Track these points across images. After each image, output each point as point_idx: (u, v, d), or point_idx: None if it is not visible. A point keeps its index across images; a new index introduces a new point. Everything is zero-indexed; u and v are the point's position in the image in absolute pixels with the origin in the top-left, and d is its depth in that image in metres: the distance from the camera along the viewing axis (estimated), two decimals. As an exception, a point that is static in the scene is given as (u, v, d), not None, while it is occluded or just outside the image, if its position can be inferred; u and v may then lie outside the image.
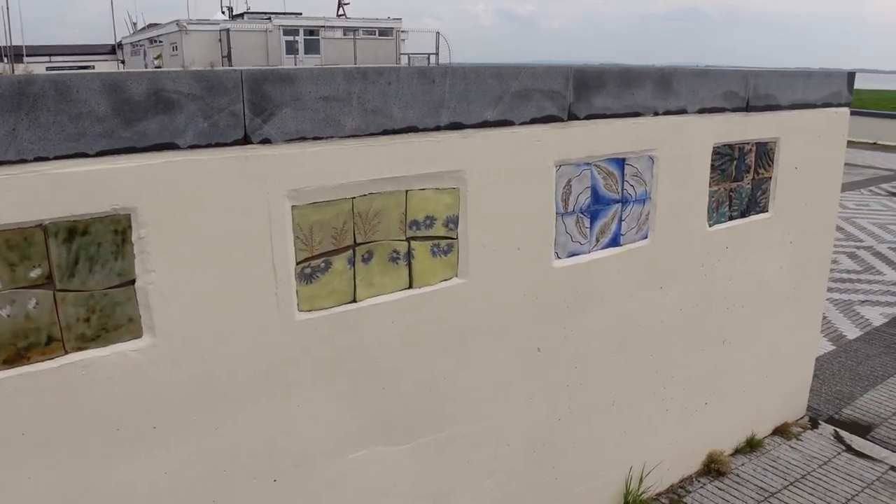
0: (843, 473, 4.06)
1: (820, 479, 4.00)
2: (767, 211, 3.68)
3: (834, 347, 5.89)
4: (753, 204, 3.58)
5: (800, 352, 4.37)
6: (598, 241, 2.86)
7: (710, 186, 3.28)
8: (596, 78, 2.65)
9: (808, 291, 4.20)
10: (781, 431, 4.44)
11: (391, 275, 2.31)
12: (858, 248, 9.19)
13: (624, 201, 2.91)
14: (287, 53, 34.88)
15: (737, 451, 4.14)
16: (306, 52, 35.96)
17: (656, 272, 3.12)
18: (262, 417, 2.13)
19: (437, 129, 2.27)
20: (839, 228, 9.92)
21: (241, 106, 1.91)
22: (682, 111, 3.02)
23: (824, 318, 6.46)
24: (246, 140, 1.95)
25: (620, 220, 2.92)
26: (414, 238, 2.33)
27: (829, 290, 7.31)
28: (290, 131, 2.00)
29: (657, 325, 3.22)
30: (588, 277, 2.85)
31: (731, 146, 3.34)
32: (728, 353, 3.70)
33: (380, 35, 37.89)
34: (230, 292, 1.99)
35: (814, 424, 4.59)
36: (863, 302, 7.04)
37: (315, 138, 2.05)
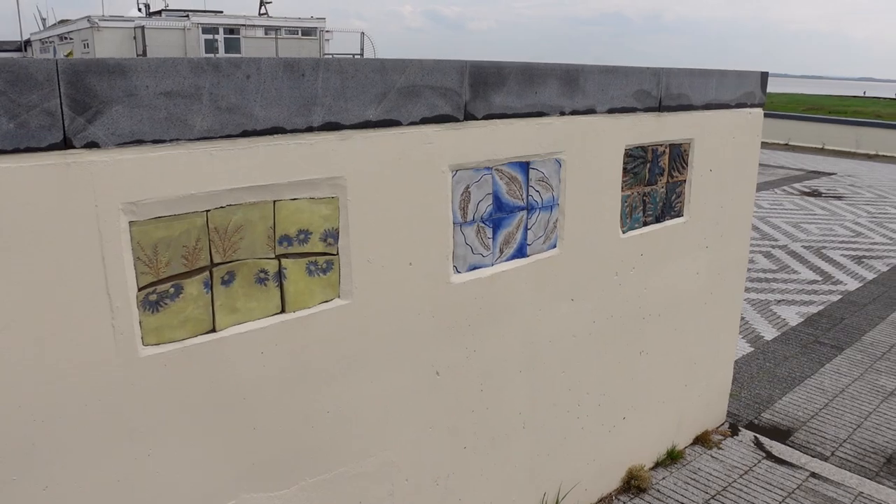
0: (764, 483, 3.95)
1: (741, 489, 3.88)
2: (682, 215, 3.52)
3: (752, 349, 5.86)
4: (668, 208, 3.42)
5: (718, 358, 4.25)
6: (502, 252, 2.61)
7: (622, 191, 3.09)
8: (495, 74, 2.40)
9: (725, 296, 4.09)
10: (702, 440, 4.32)
11: (259, 298, 2.00)
12: (774, 247, 9.32)
13: (529, 208, 2.68)
14: (206, 52, 33.81)
15: (657, 465, 3.98)
16: (226, 50, 34.96)
17: (566, 284, 2.91)
18: (104, 471, 1.79)
19: (310, 130, 1.98)
20: (755, 228, 10.07)
21: (57, 102, 1.58)
22: (591, 111, 2.81)
23: (742, 318, 6.44)
24: (67, 144, 1.61)
25: (526, 229, 2.68)
26: (285, 255, 2.03)
27: (747, 290, 7.33)
28: (123, 133, 1.67)
29: (569, 340, 3.01)
30: (492, 292, 2.60)
31: (644, 148, 3.16)
32: (646, 365, 3.53)
33: (303, 35, 37.19)
34: (57, 326, 1.65)
35: (734, 431, 4.49)
36: (779, 301, 7.07)
37: (156, 141, 1.72)
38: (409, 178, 2.24)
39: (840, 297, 7.30)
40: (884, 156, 20.94)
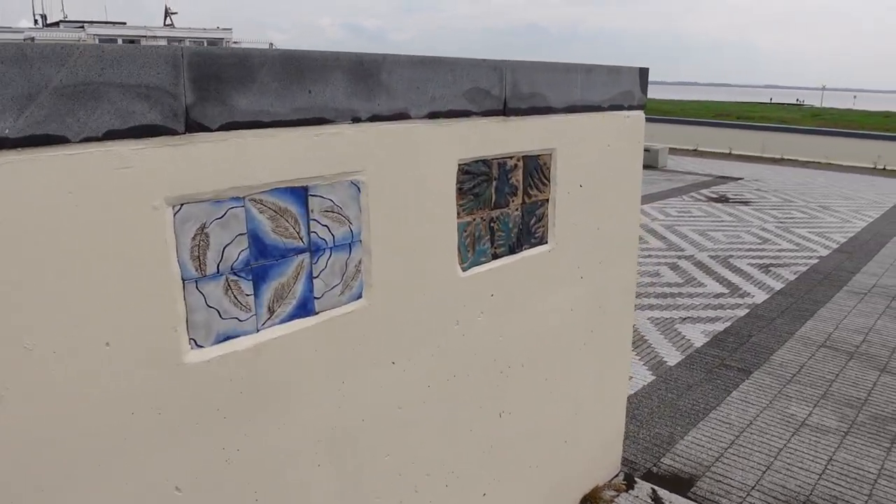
0: (659, 552, 3.35)
1: (633, 562, 3.27)
2: (546, 242, 2.88)
3: (654, 377, 5.31)
4: (526, 235, 2.77)
5: (607, 402, 3.64)
6: (272, 312, 1.89)
7: (459, 217, 2.41)
8: (235, 66, 1.68)
9: (610, 331, 3.47)
10: (591, 499, 3.69)
11: None
12: (680, 258, 8.93)
13: (314, 249, 1.96)
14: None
15: (535, 539, 3.33)
16: (124, 63, 33.25)
17: (382, 343, 2.21)
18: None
19: None
20: (662, 238, 9.68)
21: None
22: (403, 115, 2.13)
23: (644, 341, 5.90)
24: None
25: (311, 278, 1.97)
26: None
27: (651, 307, 6.83)
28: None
29: (393, 414, 2.31)
30: (259, 368, 1.87)
31: (486, 162, 2.50)
32: (509, 427, 2.87)
33: (208, 45, 35.79)
34: None
35: (629, 483, 3.88)
36: (684, 319, 6.60)
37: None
38: (94, 220, 1.49)
39: (747, 311, 6.89)
40: (788, 159, 21.29)
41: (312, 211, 1.93)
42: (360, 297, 2.11)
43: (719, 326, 6.42)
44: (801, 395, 5.04)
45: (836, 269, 8.58)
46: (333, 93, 1.92)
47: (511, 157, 2.61)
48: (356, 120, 1.99)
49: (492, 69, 2.42)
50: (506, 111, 2.51)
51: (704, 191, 14.45)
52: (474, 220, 2.48)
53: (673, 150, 20.58)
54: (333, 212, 1.99)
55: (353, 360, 2.12)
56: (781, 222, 11.41)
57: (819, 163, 20.50)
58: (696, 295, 7.34)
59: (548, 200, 2.85)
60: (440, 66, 2.23)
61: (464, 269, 2.47)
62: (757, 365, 5.57)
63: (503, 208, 2.61)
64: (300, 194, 1.90)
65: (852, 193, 14.91)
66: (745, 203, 13.14)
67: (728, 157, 21.69)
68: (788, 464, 4.13)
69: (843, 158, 20.48)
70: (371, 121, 2.03)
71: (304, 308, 1.97)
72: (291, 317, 1.94)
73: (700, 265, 8.51)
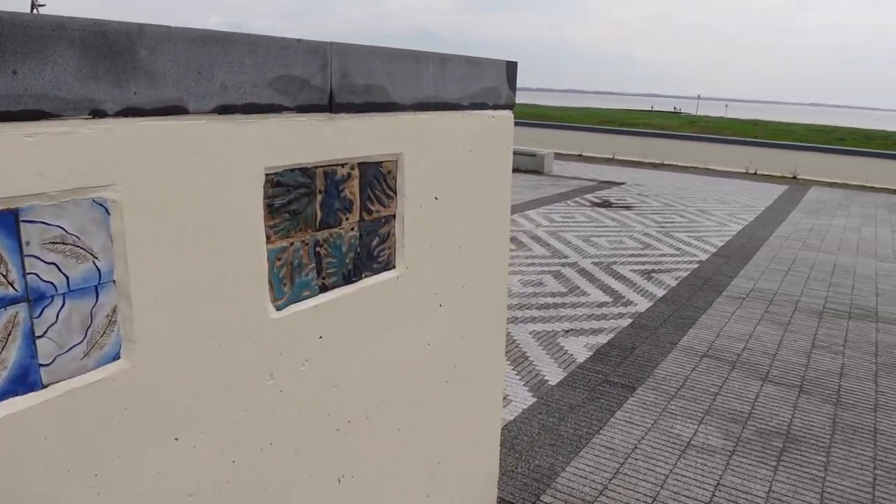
0: None
1: None
2: (394, 267, 2.39)
3: (535, 399, 4.93)
4: (367, 259, 2.27)
5: (477, 444, 3.19)
6: (-40, 392, 1.30)
7: (270, 242, 1.88)
8: None
9: (477, 363, 3.03)
10: (463, 553, 3.24)
11: None
12: (564, 265, 8.71)
13: (35, 298, 1.38)
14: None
15: None
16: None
17: (154, 415, 1.64)
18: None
19: None
20: (546, 244, 9.45)
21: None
22: (176, 109, 1.58)
23: (525, 358, 5.54)
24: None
25: (31, 338, 1.39)
26: None
27: (533, 319, 6.49)
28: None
29: (182, 505, 1.75)
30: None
31: (307, 171, 1.98)
32: (352, 494, 2.35)
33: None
34: None
35: (505, 529, 3.46)
36: (567, 332, 6.30)
37: None
38: None
39: (630, 320, 6.68)
40: (668, 164, 21.90)
41: (28, 243, 1.35)
42: (116, 357, 1.54)
43: (602, 339, 6.15)
44: (685, 412, 4.80)
45: (715, 273, 8.59)
46: (58, 75, 1.35)
47: (342, 165, 2.10)
48: (98, 114, 1.43)
49: (310, 52, 1.90)
50: (332, 107, 2.00)
51: (589, 196, 14.48)
52: (292, 244, 1.95)
53: (559, 155, 20.74)
54: (65, 243, 1.41)
55: (110, 443, 1.55)
56: (662, 227, 11.49)
57: (697, 167, 21.19)
58: (580, 305, 7.09)
59: (394, 216, 2.36)
60: (234, 45, 1.69)
61: (278, 308, 1.93)
62: (641, 380, 5.31)
63: (333, 228, 2.10)
64: (6, 221, 1.31)
65: (728, 197, 15.37)
66: (628, 208, 13.22)
67: (611, 161, 22.08)
68: (675, 492, 3.83)
69: (718, 163, 21.26)
70: (124, 115, 1.47)
71: (23, 381, 1.38)
72: (2, 394, 1.35)
73: (584, 273, 8.30)
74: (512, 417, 4.60)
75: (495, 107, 2.88)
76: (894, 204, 15.92)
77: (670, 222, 11.93)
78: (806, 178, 19.81)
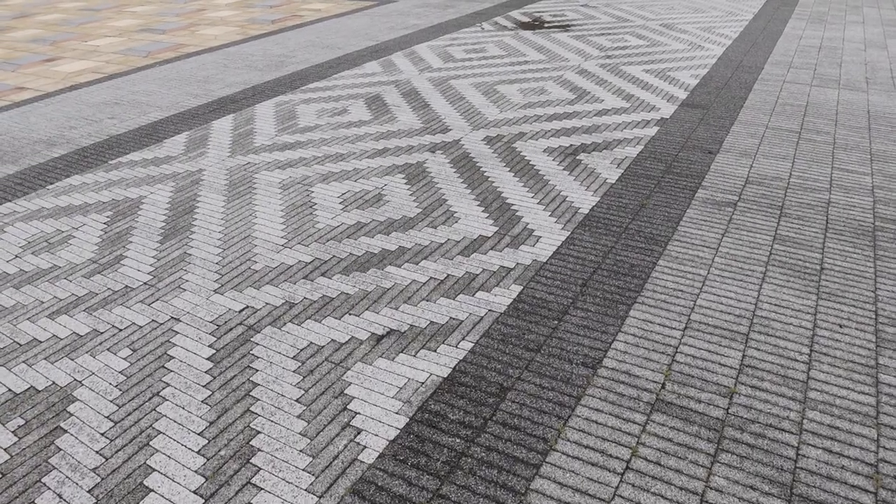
0: None
1: None
2: None
3: None
4: None
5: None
6: None
7: None
8: None
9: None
10: None
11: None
12: (435, 149, 5.25)
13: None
14: None
15: None
16: None
17: None
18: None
19: None
20: (422, 107, 5.93)
21: None
22: None
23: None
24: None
25: None
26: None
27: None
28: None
29: None
30: None
31: None
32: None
33: None
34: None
35: None
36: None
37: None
38: None
39: (533, 272, 3.42)
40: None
41: None
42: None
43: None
44: None
45: (684, 144, 5.21)
46: None
47: None
48: None
49: None
50: None
51: (515, 12, 10.61)
52: None
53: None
54: None
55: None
56: (609, 56, 7.90)
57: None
58: (444, 243, 3.78)
59: None
60: None
61: None
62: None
63: None
64: None
65: (703, 3, 11.54)
66: (564, 28, 9.48)
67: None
68: None
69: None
70: None
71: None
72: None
73: (463, 163, 4.89)
74: None
75: None
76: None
77: (621, 48, 8.32)
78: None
